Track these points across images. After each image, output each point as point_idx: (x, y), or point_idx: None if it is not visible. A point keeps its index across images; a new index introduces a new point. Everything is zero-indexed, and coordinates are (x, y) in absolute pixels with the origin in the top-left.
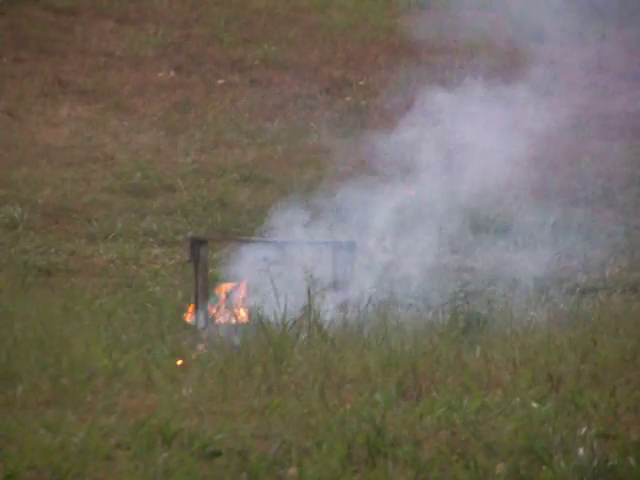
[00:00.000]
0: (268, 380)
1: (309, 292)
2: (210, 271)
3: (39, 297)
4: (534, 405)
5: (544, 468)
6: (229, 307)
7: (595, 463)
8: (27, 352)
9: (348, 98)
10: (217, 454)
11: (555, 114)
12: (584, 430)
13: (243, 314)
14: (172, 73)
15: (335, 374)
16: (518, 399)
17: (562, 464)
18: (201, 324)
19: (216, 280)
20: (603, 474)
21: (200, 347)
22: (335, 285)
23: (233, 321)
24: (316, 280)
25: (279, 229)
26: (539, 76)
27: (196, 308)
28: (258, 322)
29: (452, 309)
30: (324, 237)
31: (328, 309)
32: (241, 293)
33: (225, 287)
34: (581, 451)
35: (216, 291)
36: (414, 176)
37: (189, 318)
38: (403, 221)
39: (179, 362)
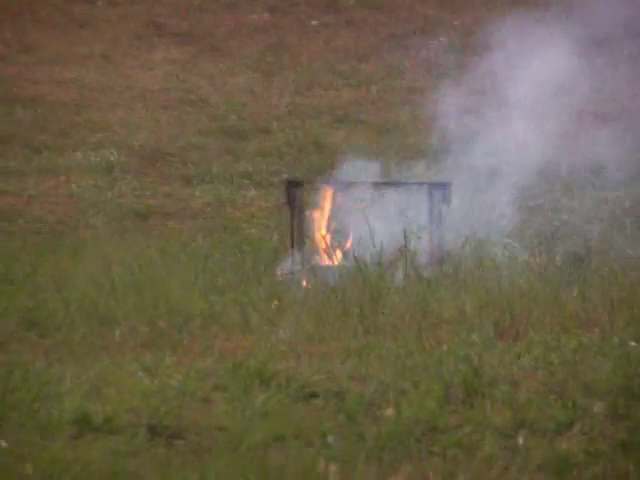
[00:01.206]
0: (365, 321)
1: (405, 233)
2: (306, 213)
3: (136, 240)
4: (632, 344)
5: None
6: (326, 248)
7: None
8: (125, 295)
9: (442, 38)
10: (314, 395)
11: None
12: None
13: (340, 255)
14: (266, 15)
15: (431, 315)
16: (616, 338)
17: None
18: (297, 266)
19: (312, 222)
20: None
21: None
22: (431, 226)
23: (330, 263)
24: (412, 221)
25: (374, 170)
26: (634, 24)
27: (292, 250)
28: (355, 263)
29: (549, 248)
30: (420, 178)
31: (424, 250)
32: (336, 233)
33: (322, 228)
34: None
35: (313, 232)
36: (510, 115)
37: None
38: (499, 161)
39: (275, 302)
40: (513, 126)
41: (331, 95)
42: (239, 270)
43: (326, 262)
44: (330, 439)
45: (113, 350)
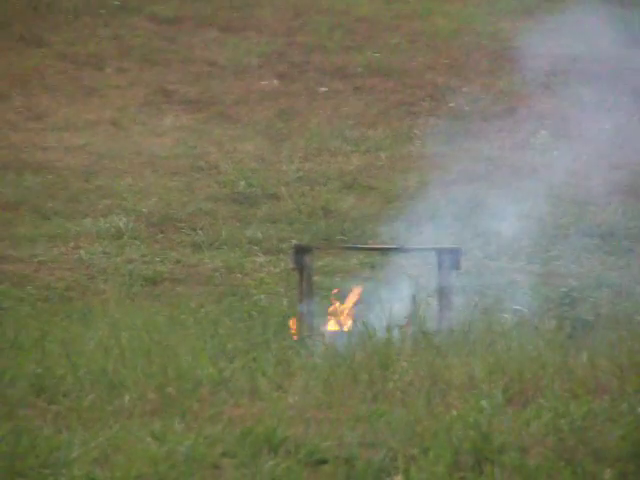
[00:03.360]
0: (374, 387)
1: (414, 298)
2: (315, 279)
3: (145, 306)
4: None
5: None
6: (334, 314)
7: None
8: (133, 361)
9: (451, 104)
10: (323, 462)
11: None
12: None
13: (349, 321)
14: (275, 81)
15: (441, 381)
16: (625, 404)
17: None
18: (307, 332)
19: (321, 288)
20: None
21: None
22: (440, 291)
23: (339, 328)
24: (421, 286)
25: (383, 236)
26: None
27: (301, 315)
28: (363, 329)
29: (558, 314)
30: (429, 243)
31: (433, 315)
32: (349, 301)
33: (333, 294)
34: None
35: (322, 298)
36: (519, 181)
37: (294, 328)
38: (507, 227)
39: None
40: (522, 192)
41: (340, 161)
42: (248, 336)
43: (335, 327)
44: None
45: (122, 416)
